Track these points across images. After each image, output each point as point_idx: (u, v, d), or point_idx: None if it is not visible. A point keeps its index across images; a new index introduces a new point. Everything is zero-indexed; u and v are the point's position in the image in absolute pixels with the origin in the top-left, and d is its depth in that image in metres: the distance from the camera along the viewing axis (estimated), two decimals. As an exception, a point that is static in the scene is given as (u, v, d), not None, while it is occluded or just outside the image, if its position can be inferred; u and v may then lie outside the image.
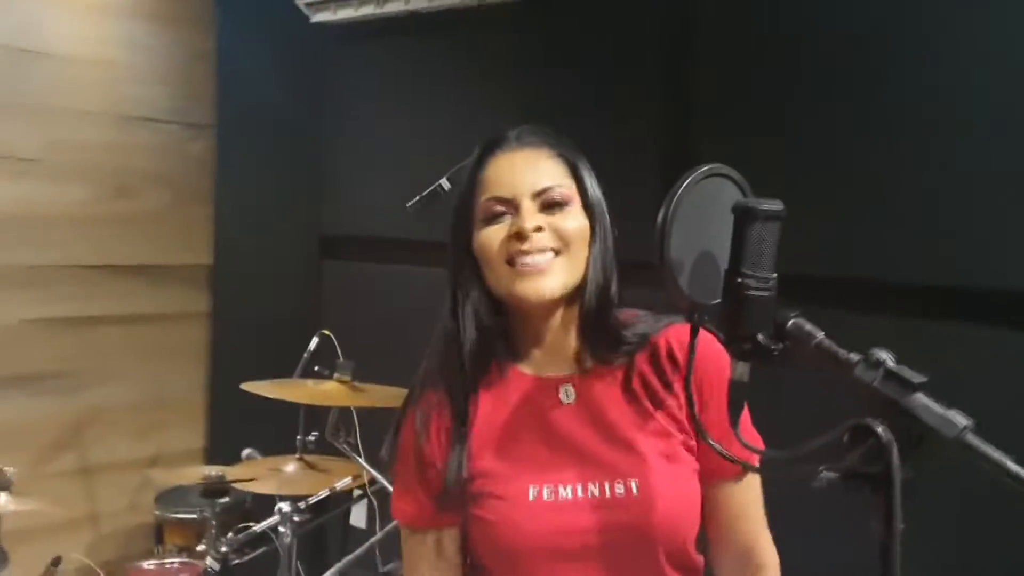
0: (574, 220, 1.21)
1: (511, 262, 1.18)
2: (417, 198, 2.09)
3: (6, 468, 1.76)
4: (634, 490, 1.17)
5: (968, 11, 1.99)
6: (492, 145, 1.24)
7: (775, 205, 1.06)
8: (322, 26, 3.27)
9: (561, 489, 1.17)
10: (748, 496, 1.29)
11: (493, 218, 1.20)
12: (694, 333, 1.12)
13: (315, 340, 2.70)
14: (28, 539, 2.62)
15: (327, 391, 2.35)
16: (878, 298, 2.09)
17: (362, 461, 2.36)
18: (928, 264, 2.02)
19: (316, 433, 2.58)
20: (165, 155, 3.37)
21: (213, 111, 3.47)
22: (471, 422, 1.20)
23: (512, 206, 1.19)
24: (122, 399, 3.29)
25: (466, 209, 1.23)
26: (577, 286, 1.22)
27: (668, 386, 1.23)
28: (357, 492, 2.72)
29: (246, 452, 2.72)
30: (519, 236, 1.17)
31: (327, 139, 3.37)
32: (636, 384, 1.23)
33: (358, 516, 3.11)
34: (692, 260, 1.10)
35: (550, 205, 1.20)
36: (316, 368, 2.65)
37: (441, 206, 2.09)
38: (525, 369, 1.24)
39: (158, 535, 2.91)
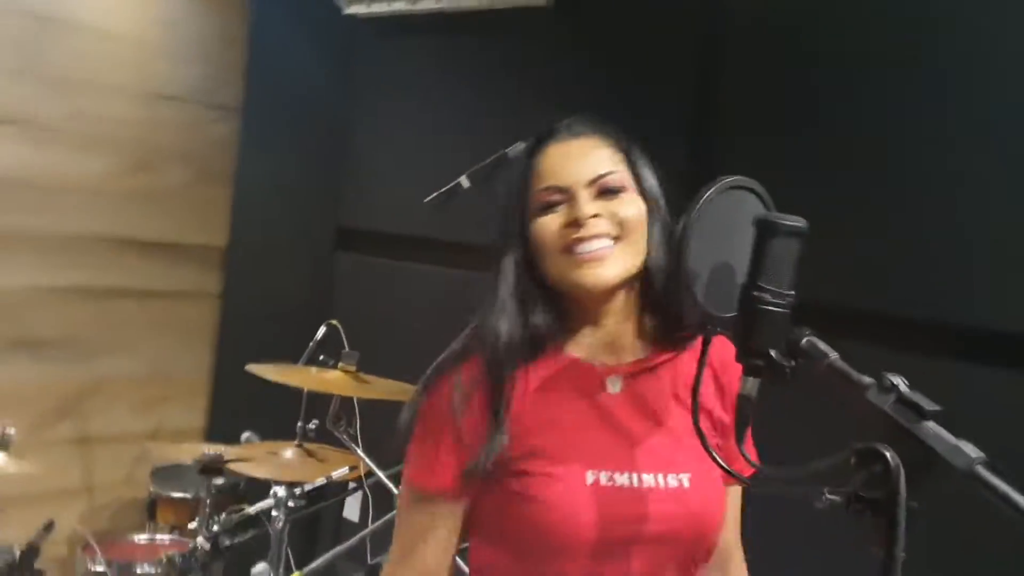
0: (631, 206, 1.21)
1: (568, 250, 1.18)
2: (435, 194, 2.09)
3: (6, 428, 1.76)
4: (686, 484, 1.19)
5: (1008, 42, 1.97)
6: (544, 137, 1.25)
7: (797, 222, 1.05)
8: (354, 18, 3.28)
9: (618, 476, 1.17)
10: (736, 507, 1.34)
11: (549, 207, 1.20)
12: (706, 343, 1.11)
13: (323, 329, 2.68)
14: (21, 503, 2.62)
15: (331, 379, 2.35)
16: (897, 333, 2.07)
17: (360, 452, 2.35)
18: (959, 303, 2.00)
19: (316, 421, 2.57)
20: (189, 134, 3.38)
21: (240, 94, 3.48)
22: (518, 400, 1.19)
23: (568, 195, 1.19)
24: (126, 372, 3.30)
25: (519, 200, 1.22)
26: (637, 273, 1.22)
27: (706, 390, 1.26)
28: (352, 485, 2.72)
29: (245, 435, 2.72)
30: (576, 223, 1.17)
31: (351, 131, 3.37)
32: (680, 382, 1.25)
33: (352, 509, 3.10)
34: (709, 270, 1.09)
35: (605, 192, 1.20)
36: (321, 357, 2.64)
37: (459, 204, 2.09)
38: (574, 353, 1.23)
39: (151, 511, 2.90)
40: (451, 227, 2.92)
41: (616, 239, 1.19)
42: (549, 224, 1.19)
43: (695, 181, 1.20)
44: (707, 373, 1.25)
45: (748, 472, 1.10)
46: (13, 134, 2.99)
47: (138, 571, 2.14)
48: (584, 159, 1.21)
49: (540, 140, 1.25)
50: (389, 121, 3.25)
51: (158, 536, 2.38)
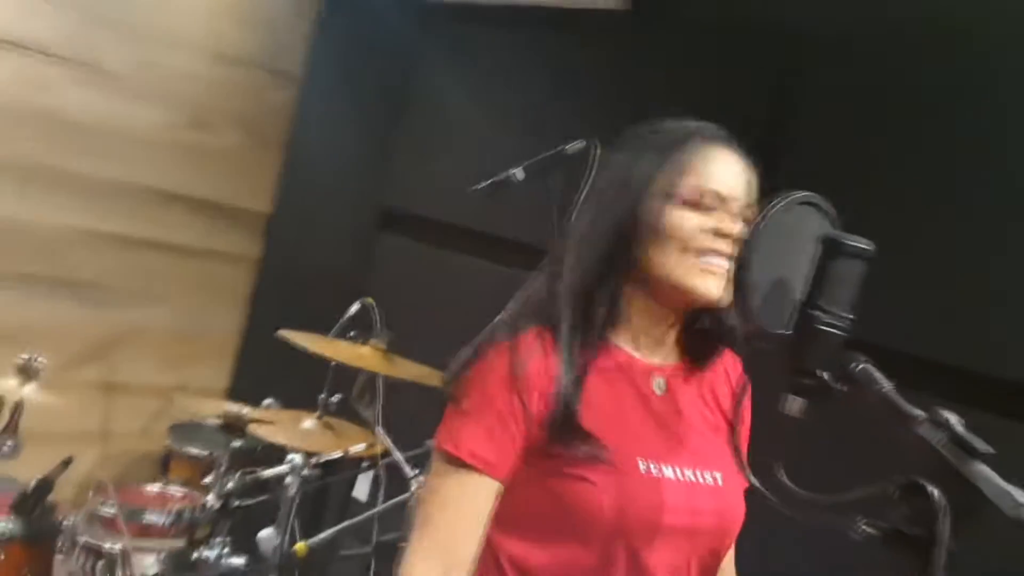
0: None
1: (698, 254, 1.17)
2: (486, 183, 2.08)
3: (37, 358, 1.76)
4: (719, 482, 1.22)
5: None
6: (705, 133, 1.23)
7: (864, 243, 1.03)
8: (426, 3, 3.28)
9: (664, 468, 1.18)
10: None
11: (698, 206, 1.18)
12: (753, 357, 1.10)
13: (356, 306, 2.69)
14: (39, 440, 2.64)
15: (361, 354, 2.34)
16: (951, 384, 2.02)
17: (381, 430, 2.34)
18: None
19: (339, 395, 2.57)
20: (247, 97, 3.40)
21: (302, 64, 3.49)
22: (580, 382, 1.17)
23: (722, 205, 1.19)
24: (157, 325, 3.32)
25: (647, 182, 1.20)
26: None
27: (723, 402, 1.31)
28: (365, 464, 2.71)
29: (267, 402, 2.72)
30: (722, 235, 1.17)
31: (408, 113, 3.37)
32: (707, 390, 1.29)
33: (361, 488, 3.09)
34: (768, 285, 1.07)
35: (738, 220, 1.20)
36: (352, 333, 2.64)
37: (508, 196, 2.08)
38: (624, 346, 1.24)
39: (164, 466, 2.91)
40: (497, 221, 2.92)
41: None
42: (692, 221, 1.17)
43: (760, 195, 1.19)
44: (726, 385, 1.32)
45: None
46: (80, 76, 3.02)
47: (147, 519, 2.14)
48: (745, 181, 1.22)
49: (699, 134, 1.23)
50: (447, 108, 3.24)
51: (170, 488, 2.38)
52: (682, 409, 1.25)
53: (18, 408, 1.71)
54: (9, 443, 1.68)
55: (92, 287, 3.16)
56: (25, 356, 1.78)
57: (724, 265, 1.16)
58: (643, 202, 1.19)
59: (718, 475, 1.23)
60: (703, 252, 1.17)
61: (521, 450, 1.16)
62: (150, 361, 3.33)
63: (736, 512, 1.24)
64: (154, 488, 2.37)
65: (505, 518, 1.18)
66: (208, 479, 2.35)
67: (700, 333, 1.27)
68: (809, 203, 1.10)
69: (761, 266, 1.06)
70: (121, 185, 3.17)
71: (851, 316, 1.02)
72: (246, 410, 2.36)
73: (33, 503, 1.84)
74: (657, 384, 1.25)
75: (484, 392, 1.17)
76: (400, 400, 2.48)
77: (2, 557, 1.84)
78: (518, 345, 1.17)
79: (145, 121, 3.18)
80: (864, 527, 0.94)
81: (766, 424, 1.26)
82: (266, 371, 3.13)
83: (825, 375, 1.02)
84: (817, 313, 1.02)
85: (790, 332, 1.04)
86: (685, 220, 1.17)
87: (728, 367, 1.33)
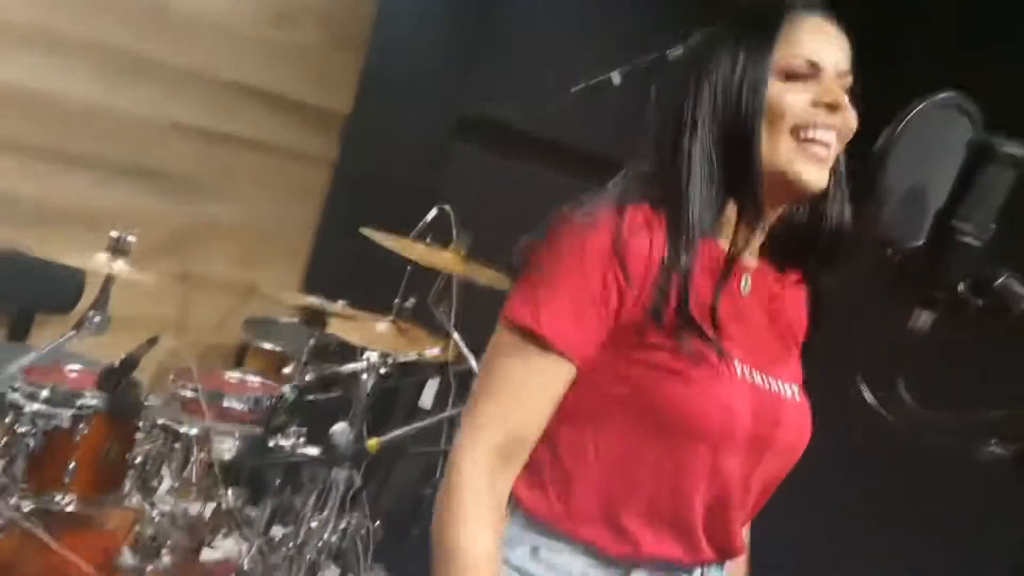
0: (851, 115, 1.10)
1: (797, 132, 1.07)
2: (583, 85, 2.00)
3: (127, 235, 1.77)
4: (797, 397, 1.15)
5: None
6: (797, 4, 1.12)
7: (1018, 150, 0.95)
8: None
9: (757, 375, 1.11)
10: None
11: (796, 77, 1.08)
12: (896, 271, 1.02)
13: (434, 211, 2.66)
14: (118, 324, 2.69)
15: (441, 257, 2.32)
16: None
17: (456, 336, 2.34)
18: None
19: (414, 299, 2.56)
20: (333, -7, 3.34)
21: (387, -37, 3.42)
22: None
23: (818, 74, 1.08)
24: (233, 221, 3.34)
25: (757, 66, 1.08)
26: None
27: (800, 313, 1.21)
28: (433, 371, 2.72)
29: (340, 303, 2.73)
30: (830, 106, 1.06)
31: (492, 20, 3.28)
32: (787, 297, 1.19)
33: (427, 396, 3.11)
34: (903, 192, 1.00)
35: (841, 90, 1.09)
36: (428, 239, 2.63)
37: (602, 102, 2.01)
38: (720, 242, 1.13)
39: (238, 359, 2.96)
40: (579, 132, 2.86)
41: (832, 146, 1.09)
42: (793, 95, 1.07)
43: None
44: (802, 296, 1.21)
45: None
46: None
47: (225, 403, 2.18)
48: (840, 48, 1.10)
49: (791, 5, 1.12)
50: (534, 14, 3.15)
51: (249, 376, 2.42)
52: (765, 313, 1.16)
53: (107, 283, 1.72)
54: (98, 317, 1.70)
55: (169, 178, 3.18)
56: (116, 233, 1.79)
57: (828, 140, 1.07)
58: (744, 82, 1.08)
59: (795, 388, 1.16)
60: (801, 128, 1.07)
61: (607, 334, 1.05)
62: (225, 256, 3.36)
63: (807, 430, 1.16)
64: (233, 375, 2.41)
65: (569, 404, 1.07)
66: (287, 370, 2.37)
67: (788, 234, 1.16)
68: (953, 105, 1.03)
69: (897, 171, 0.99)
70: (202, 77, 3.15)
71: (993, 227, 0.96)
72: (323, 306, 2.36)
73: (118, 379, 1.88)
74: (745, 283, 1.15)
75: (577, 265, 1.04)
76: (476, 307, 2.47)
77: (87, 431, 1.89)
78: (625, 218, 1.04)
79: (230, 14, 3.15)
80: (994, 447, 0.89)
81: (882, 338, 1.20)
82: (339, 273, 3.14)
83: (960, 288, 0.96)
84: (957, 223, 0.96)
85: (925, 243, 0.98)
86: (788, 92, 1.07)
87: (808, 276, 1.21)
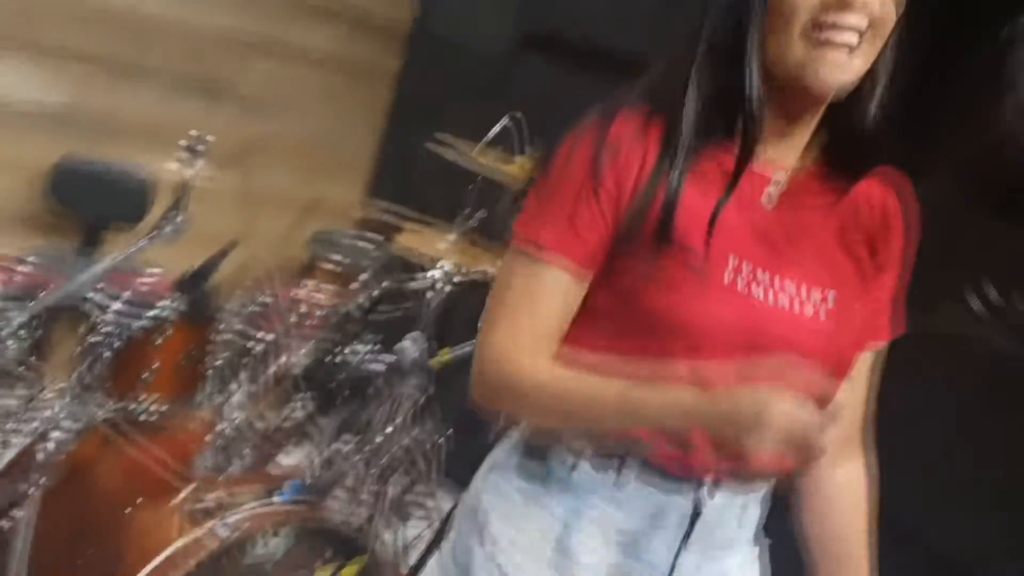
0: (888, 1, 1.02)
1: (809, 33, 1.00)
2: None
3: (204, 136, 1.75)
4: (829, 304, 1.08)
5: None
6: None
7: None
8: None
9: (760, 273, 1.06)
10: (867, 381, 1.18)
11: None
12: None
13: (504, 121, 2.61)
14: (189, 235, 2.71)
15: (511, 170, 2.28)
16: None
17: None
18: None
19: (481, 213, 2.53)
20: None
21: None
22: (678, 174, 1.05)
23: None
24: (296, 135, 3.32)
25: None
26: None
27: (872, 232, 1.13)
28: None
29: (406, 217, 2.71)
30: (842, 3, 0.99)
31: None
32: (843, 209, 1.11)
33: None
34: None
35: None
36: (495, 152, 2.58)
37: (672, 14, 1.92)
38: (736, 149, 1.08)
39: (305, 274, 2.96)
40: (648, 44, 2.76)
41: (861, 37, 1.01)
42: None
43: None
44: (868, 216, 1.13)
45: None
46: None
47: (297, 314, 2.18)
48: None
49: None
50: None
51: (318, 290, 2.42)
52: (799, 221, 1.10)
53: (184, 188, 1.71)
54: (175, 222, 1.69)
55: (232, 92, 3.16)
56: (193, 136, 1.77)
57: (844, 41, 0.99)
58: None
59: (828, 296, 1.08)
60: (814, 28, 0.99)
61: (608, 239, 1.05)
62: (287, 171, 3.35)
63: (837, 347, 1.09)
64: (302, 288, 2.42)
65: (590, 325, 1.09)
66: (354, 285, 2.37)
67: (849, 138, 1.10)
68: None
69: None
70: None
71: None
72: (390, 220, 2.34)
73: (196, 284, 1.89)
74: (770, 191, 1.09)
75: (568, 170, 1.05)
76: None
77: (165, 336, 1.91)
78: (616, 120, 1.04)
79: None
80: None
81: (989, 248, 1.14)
82: (404, 187, 3.12)
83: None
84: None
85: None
86: None
87: (889, 189, 1.15)
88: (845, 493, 1.20)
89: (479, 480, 1.18)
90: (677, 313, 1.02)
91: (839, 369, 1.09)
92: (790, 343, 1.04)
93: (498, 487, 1.15)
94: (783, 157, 1.10)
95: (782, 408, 0.90)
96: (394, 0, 3.38)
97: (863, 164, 1.11)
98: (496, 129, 2.60)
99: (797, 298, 1.07)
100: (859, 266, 1.11)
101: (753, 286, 1.05)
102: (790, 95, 1.05)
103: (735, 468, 1.03)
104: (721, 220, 1.05)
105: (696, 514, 1.08)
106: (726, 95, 1.04)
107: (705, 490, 1.08)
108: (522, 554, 1.10)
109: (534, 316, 1.06)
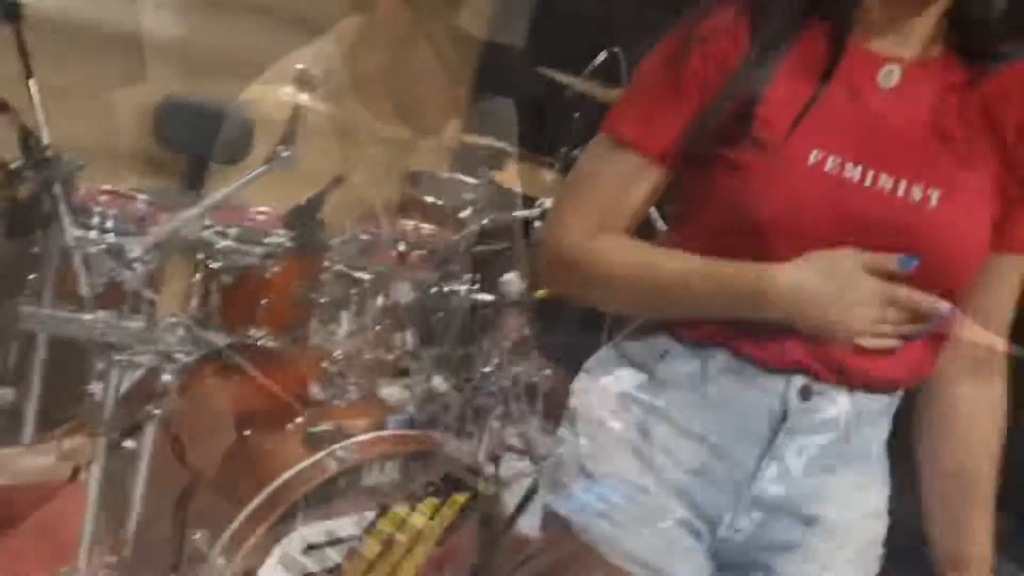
0: None
1: None
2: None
3: (310, 68, 1.74)
4: (932, 201, 0.98)
5: None
6: None
7: None
8: None
9: (849, 166, 0.98)
10: (1007, 291, 1.08)
11: None
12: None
13: (603, 55, 2.56)
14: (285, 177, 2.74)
15: (612, 98, 2.23)
16: None
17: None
18: None
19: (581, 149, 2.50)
20: None
21: None
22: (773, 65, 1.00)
23: None
24: (395, 72, 3.30)
25: None
26: None
27: (1008, 132, 1.01)
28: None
29: (507, 153, 2.69)
30: None
31: None
32: (973, 99, 1.01)
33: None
34: None
35: None
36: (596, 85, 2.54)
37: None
38: (855, 34, 1.02)
39: (403, 211, 2.98)
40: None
41: None
42: None
43: None
44: (1002, 114, 1.01)
45: None
46: None
47: (400, 249, 2.19)
48: None
49: None
50: None
51: (423, 226, 2.44)
52: (917, 109, 1.01)
53: (296, 117, 1.71)
54: (288, 152, 1.70)
55: (319, 25, 3.16)
56: (302, 65, 1.77)
57: None
58: None
59: (933, 192, 0.98)
60: None
61: (694, 130, 1.01)
62: (388, 109, 3.34)
63: (947, 245, 0.98)
64: (407, 223, 2.43)
65: (716, 211, 1.05)
66: (455, 222, 2.37)
67: (977, 23, 1.01)
68: None
69: None
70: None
71: None
72: (491, 154, 2.33)
73: (305, 217, 1.91)
74: (887, 76, 1.01)
75: (654, 64, 1.04)
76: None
77: (276, 269, 1.94)
78: (707, 14, 1.02)
79: None
80: None
81: None
82: (504, 123, 3.09)
83: None
84: None
85: None
86: None
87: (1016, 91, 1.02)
88: (977, 416, 1.09)
89: (576, 383, 1.16)
90: (759, 200, 0.98)
91: (955, 266, 1.00)
92: (896, 229, 0.98)
93: (590, 377, 1.13)
94: (898, 45, 1.02)
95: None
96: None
97: (994, 53, 1.02)
98: (596, 61, 2.56)
99: (895, 185, 0.99)
100: (985, 166, 1.01)
101: (848, 165, 0.99)
102: None
103: (830, 359, 0.99)
104: (816, 111, 0.99)
105: (784, 413, 1.01)
106: None
107: (795, 389, 1.01)
108: (607, 437, 1.08)
109: (598, 194, 1.06)
